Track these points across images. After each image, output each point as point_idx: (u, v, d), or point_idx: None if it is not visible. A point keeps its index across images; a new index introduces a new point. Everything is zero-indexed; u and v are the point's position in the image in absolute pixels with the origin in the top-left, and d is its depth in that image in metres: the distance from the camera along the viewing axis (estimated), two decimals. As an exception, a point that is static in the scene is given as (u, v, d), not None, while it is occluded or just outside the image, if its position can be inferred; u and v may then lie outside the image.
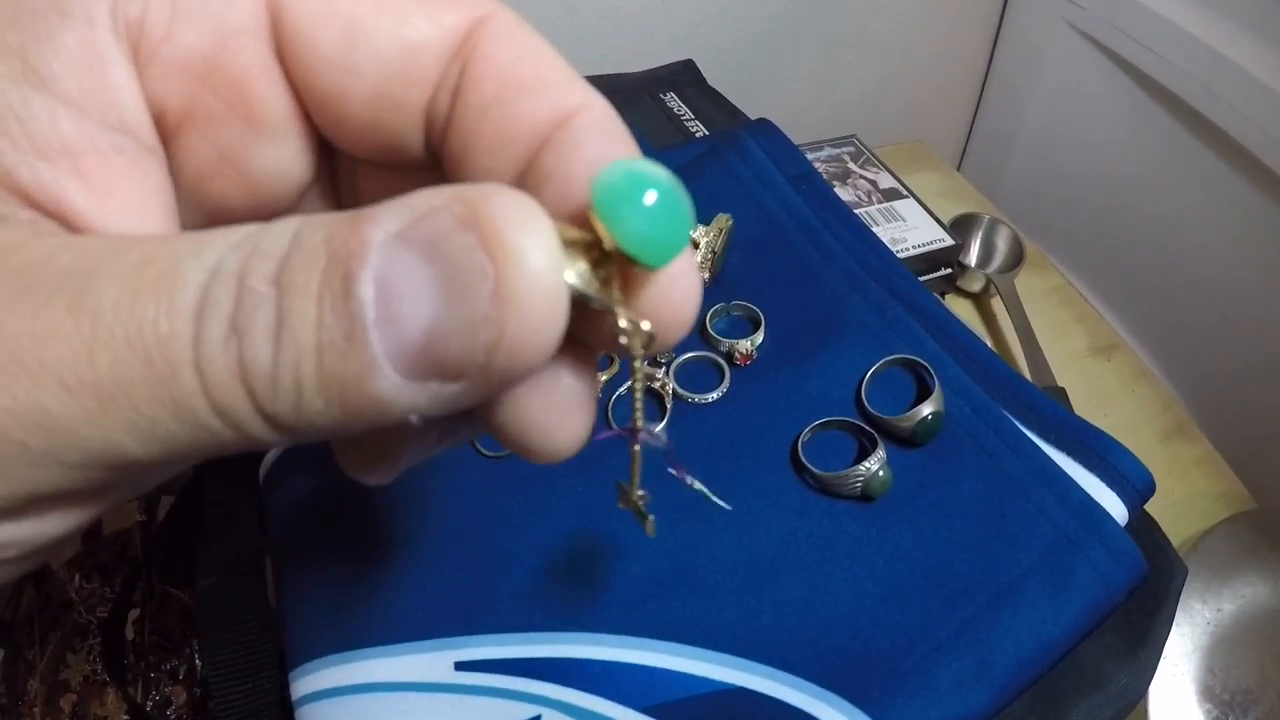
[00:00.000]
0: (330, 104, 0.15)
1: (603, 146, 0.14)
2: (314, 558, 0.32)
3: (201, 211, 0.16)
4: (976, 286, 0.60)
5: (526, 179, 0.15)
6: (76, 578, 0.48)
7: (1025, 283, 0.61)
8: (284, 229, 0.12)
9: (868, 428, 0.34)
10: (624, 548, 0.31)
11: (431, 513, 0.33)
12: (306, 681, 0.29)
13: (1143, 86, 0.68)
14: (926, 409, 0.34)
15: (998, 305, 0.60)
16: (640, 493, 0.17)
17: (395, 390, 0.12)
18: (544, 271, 0.12)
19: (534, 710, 0.27)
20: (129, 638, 0.44)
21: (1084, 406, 0.56)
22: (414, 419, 0.12)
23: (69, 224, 0.14)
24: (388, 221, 0.12)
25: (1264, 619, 0.48)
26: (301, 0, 0.15)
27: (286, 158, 0.16)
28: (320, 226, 0.12)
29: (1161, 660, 0.45)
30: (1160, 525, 0.37)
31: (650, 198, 0.13)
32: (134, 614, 0.44)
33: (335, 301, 0.12)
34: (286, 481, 0.35)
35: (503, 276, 0.12)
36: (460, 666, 0.29)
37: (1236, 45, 0.61)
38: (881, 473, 0.32)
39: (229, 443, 0.12)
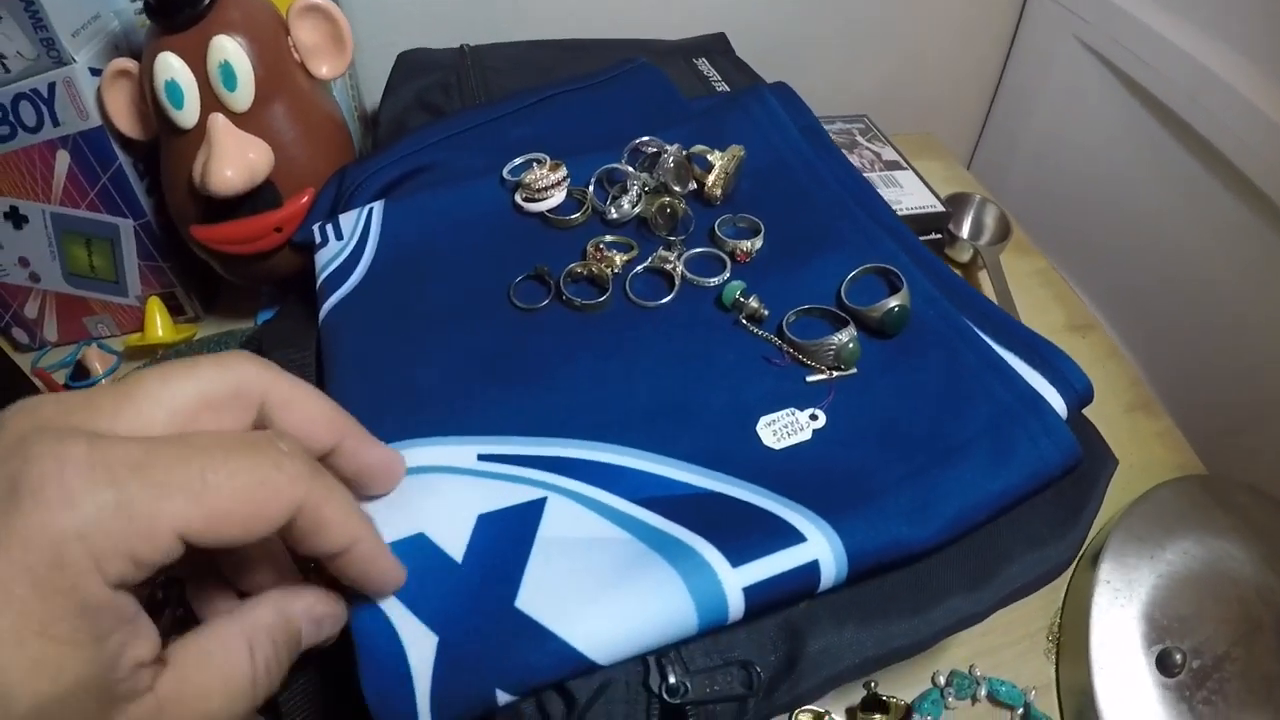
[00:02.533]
0: None
1: None
2: (362, 372, 0.38)
3: None
4: (965, 257, 0.66)
5: None
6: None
7: (1013, 264, 0.67)
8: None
9: (843, 314, 0.40)
10: (632, 381, 0.37)
11: (468, 341, 0.39)
12: None
13: (1137, 96, 0.74)
14: (893, 301, 0.39)
15: (984, 277, 0.65)
16: None
17: None
18: None
19: (542, 493, 0.33)
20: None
21: (1055, 372, 0.61)
22: None
23: None
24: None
25: (1205, 562, 0.51)
26: None
27: None
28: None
29: (1104, 584, 0.50)
30: (1114, 476, 0.40)
31: None
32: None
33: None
34: (341, 326, 0.41)
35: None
36: (482, 458, 0.34)
37: (1223, 61, 0.67)
38: (851, 344, 0.38)
39: None
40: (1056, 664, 0.49)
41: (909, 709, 0.43)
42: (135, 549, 0.21)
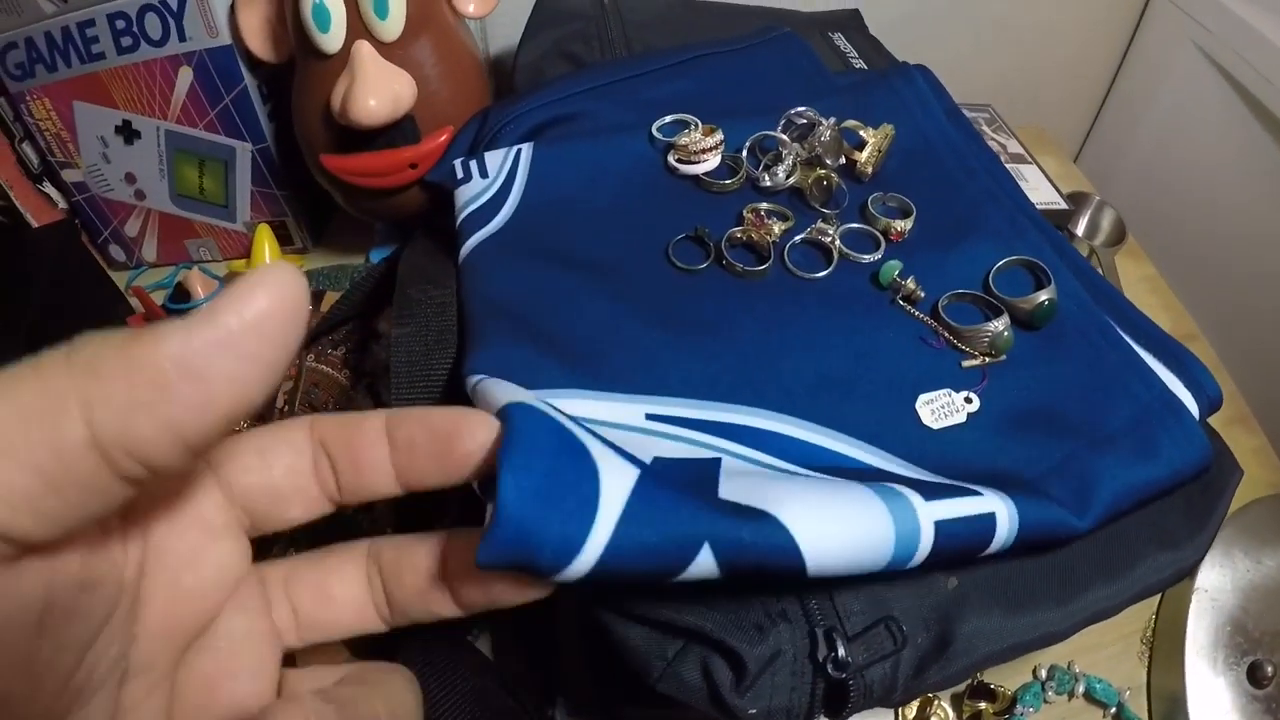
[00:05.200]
0: None
1: None
2: (509, 315, 0.38)
3: None
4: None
5: None
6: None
7: (1122, 267, 0.67)
8: None
9: (995, 302, 0.40)
10: (795, 351, 0.37)
11: (624, 294, 0.39)
12: None
13: (1253, 111, 0.73)
14: (1043, 295, 0.39)
15: (1095, 277, 0.65)
16: None
17: None
18: None
19: (716, 456, 0.32)
20: (278, 405, 0.47)
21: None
22: None
23: None
24: None
25: (1299, 582, 0.52)
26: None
27: None
28: None
29: (1201, 593, 0.51)
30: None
31: None
32: (286, 385, 0.48)
33: None
34: (485, 265, 0.41)
35: None
36: (650, 417, 0.34)
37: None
38: (1007, 333, 0.38)
39: None
40: (1149, 668, 0.50)
41: (1014, 698, 0.44)
42: None
